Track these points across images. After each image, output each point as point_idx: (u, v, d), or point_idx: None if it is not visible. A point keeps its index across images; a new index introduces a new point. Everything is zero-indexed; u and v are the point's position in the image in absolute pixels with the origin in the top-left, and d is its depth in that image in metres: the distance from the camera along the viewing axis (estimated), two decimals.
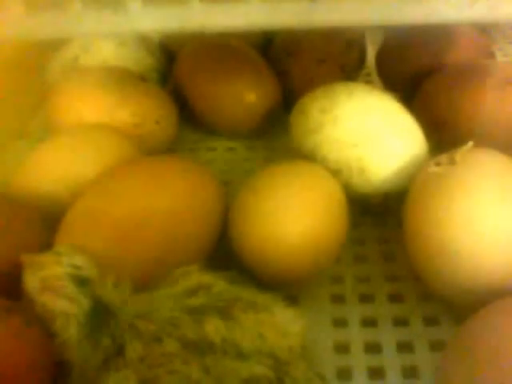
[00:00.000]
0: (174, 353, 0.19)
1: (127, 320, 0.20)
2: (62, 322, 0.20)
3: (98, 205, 0.24)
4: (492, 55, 0.38)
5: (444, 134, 0.31)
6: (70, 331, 0.20)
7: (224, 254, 0.26)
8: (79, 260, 0.21)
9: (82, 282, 0.21)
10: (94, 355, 0.20)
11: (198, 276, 0.21)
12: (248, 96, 0.36)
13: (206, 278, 0.21)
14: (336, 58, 0.38)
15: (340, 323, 0.26)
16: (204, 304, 0.20)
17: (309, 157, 0.29)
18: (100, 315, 0.20)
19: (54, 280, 0.21)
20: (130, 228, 0.24)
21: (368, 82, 0.43)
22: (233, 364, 0.19)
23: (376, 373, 0.23)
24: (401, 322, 0.26)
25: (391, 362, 0.24)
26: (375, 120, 0.28)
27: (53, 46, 0.41)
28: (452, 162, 0.24)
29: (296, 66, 0.38)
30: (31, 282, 0.21)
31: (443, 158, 0.25)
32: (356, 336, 0.25)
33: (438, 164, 0.25)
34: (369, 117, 0.28)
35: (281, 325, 0.20)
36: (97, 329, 0.20)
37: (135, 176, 0.26)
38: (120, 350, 0.20)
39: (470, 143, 0.25)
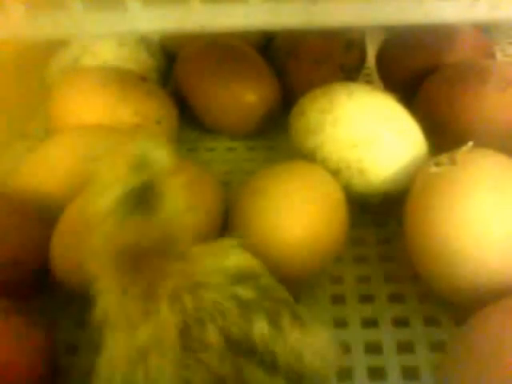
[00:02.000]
0: (213, 344, 0.18)
1: (174, 275, 0.18)
2: (99, 188, 0.18)
3: None
4: (492, 55, 0.38)
5: (444, 134, 0.31)
6: (104, 200, 0.18)
7: None
8: (157, 154, 0.19)
9: (139, 166, 0.18)
10: (119, 253, 0.18)
11: (247, 258, 0.20)
12: (248, 96, 0.36)
13: (254, 262, 0.20)
14: (336, 58, 0.38)
15: (340, 323, 0.26)
16: (253, 299, 0.19)
17: (309, 157, 0.29)
18: (142, 211, 0.18)
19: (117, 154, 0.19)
20: None
21: (368, 82, 0.43)
22: (264, 376, 0.18)
23: (376, 373, 0.23)
24: (401, 323, 0.26)
25: (391, 362, 0.24)
26: (375, 120, 0.28)
27: (53, 46, 0.41)
28: (452, 163, 0.24)
29: (296, 67, 0.38)
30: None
31: (443, 158, 0.25)
32: (356, 336, 0.25)
33: (438, 164, 0.25)
34: (369, 117, 0.28)
35: (320, 349, 0.19)
36: (131, 219, 0.18)
37: None
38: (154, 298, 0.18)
39: (470, 143, 0.25)
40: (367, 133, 0.28)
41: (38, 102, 0.39)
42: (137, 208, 0.18)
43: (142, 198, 0.18)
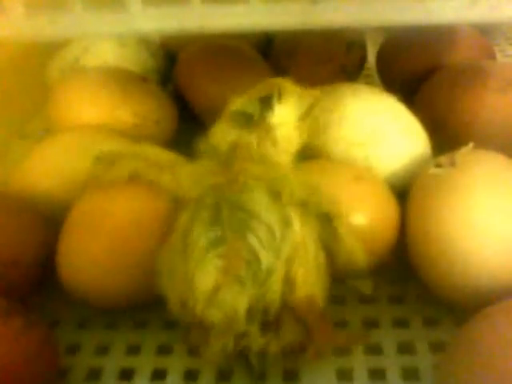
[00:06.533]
0: None
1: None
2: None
3: (98, 206, 0.24)
4: (492, 56, 0.38)
5: (444, 135, 0.31)
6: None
7: None
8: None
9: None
10: None
11: None
12: None
13: None
14: (336, 58, 0.38)
15: (340, 324, 0.26)
16: None
17: (314, 156, 0.29)
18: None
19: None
20: (130, 229, 0.24)
21: (368, 83, 0.43)
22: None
23: (376, 374, 0.23)
24: (401, 323, 0.26)
25: (392, 363, 0.24)
26: (380, 119, 0.28)
27: (53, 46, 0.41)
28: (452, 164, 0.24)
29: (296, 67, 0.38)
30: None
31: (443, 159, 0.25)
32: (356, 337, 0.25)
33: (438, 165, 0.25)
34: (374, 116, 0.28)
35: None
36: None
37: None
38: None
39: (471, 145, 0.25)
40: (373, 131, 0.28)
41: (38, 102, 0.39)
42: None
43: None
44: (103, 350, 0.25)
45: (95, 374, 0.24)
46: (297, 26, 0.20)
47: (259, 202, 0.21)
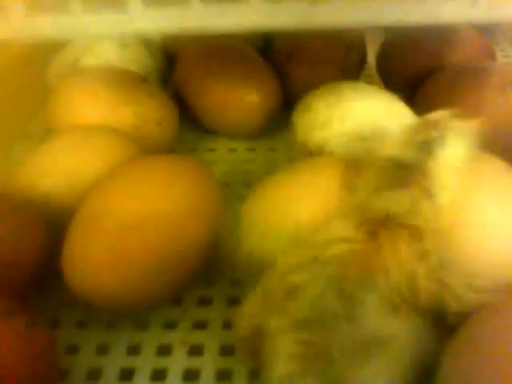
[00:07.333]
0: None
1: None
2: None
3: (99, 207, 0.24)
4: (493, 56, 0.38)
5: None
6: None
7: None
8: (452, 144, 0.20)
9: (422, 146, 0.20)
10: None
11: None
12: (249, 97, 0.36)
13: None
14: (336, 59, 0.38)
15: None
16: None
17: (315, 152, 0.29)
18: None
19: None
20: (131, 229, 0.24)
21: (368, 83, 0.43)
22: None
23: None
24: None
25: None
26: (383, 115, 0.28)
27: (53, 47, 0.41)
28: None
29: (296, 68, 0.38)
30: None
31: None
32: None
33: None
34: (376, 112, 0.28)
35: None
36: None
37: (135, 176, 0.26)
38: None
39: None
40: (375, 127, 0.28)
41: (39, 103, 0.39)
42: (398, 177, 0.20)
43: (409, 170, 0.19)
44: (103, 350, 0.25)
45: (95, 373, 0.24)
46: (297, 26, 0.20)
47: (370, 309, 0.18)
